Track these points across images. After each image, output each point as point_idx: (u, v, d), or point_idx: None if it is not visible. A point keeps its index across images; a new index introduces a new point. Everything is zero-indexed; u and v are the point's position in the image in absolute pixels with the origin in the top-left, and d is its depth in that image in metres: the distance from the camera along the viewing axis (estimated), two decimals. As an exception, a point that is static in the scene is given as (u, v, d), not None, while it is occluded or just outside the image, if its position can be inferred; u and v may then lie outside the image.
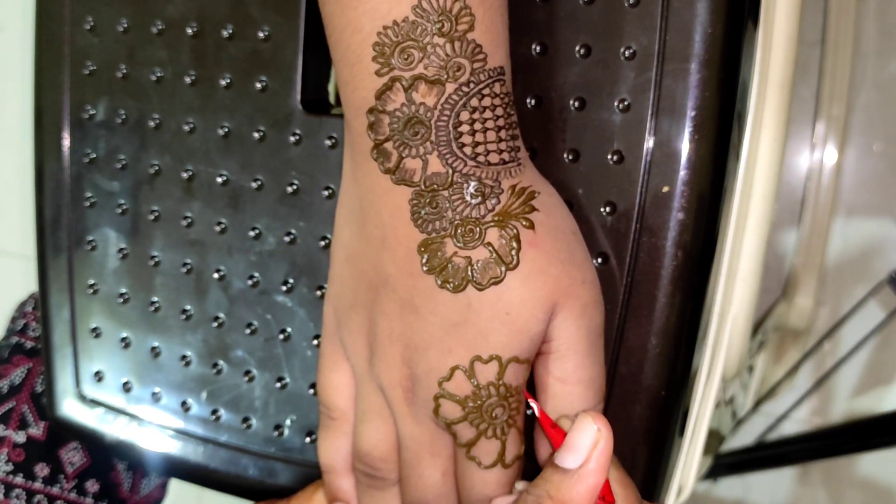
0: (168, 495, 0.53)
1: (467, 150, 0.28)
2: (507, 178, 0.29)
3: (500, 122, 0.29)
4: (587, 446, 0.27)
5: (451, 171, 0.28)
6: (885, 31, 0.92)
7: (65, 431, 0.43)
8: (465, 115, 0.28)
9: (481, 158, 0.28)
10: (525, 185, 0.29)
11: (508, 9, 0.30)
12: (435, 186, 0.28)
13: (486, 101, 0.28)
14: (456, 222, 0.28)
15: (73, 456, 0.46)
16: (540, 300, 0.28)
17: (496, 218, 0.28)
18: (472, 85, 0.28)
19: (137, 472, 0.49)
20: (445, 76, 0.27)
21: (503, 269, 0.28)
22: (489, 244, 0.28)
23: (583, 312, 0.30)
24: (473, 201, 0.28)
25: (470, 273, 0.28)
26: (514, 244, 0.28)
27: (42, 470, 0.45)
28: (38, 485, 0.44)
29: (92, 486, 0.47)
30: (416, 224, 0.29)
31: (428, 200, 0.28)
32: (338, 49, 0.29)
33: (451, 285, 0.28)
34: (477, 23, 0.27)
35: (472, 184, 0.28)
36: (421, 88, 0.28)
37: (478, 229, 0.28)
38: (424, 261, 0.29)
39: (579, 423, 0.27)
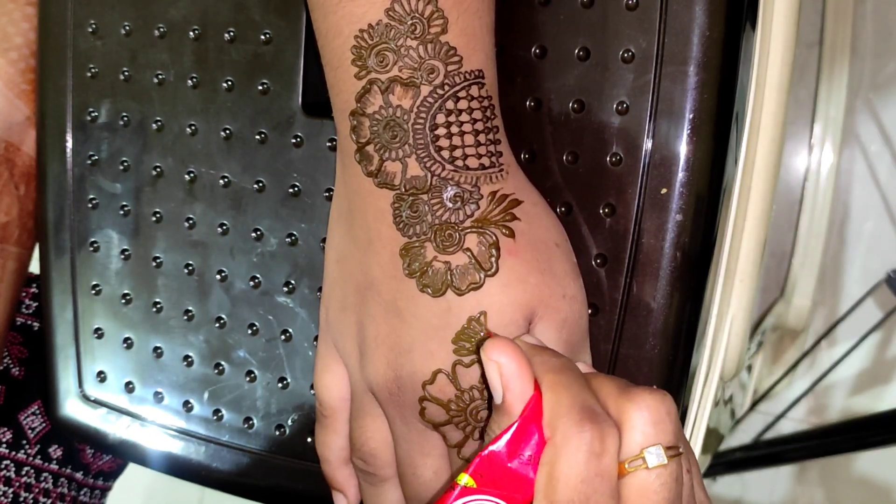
0: (164, 482, 0.54)
1: (445, 153, 0.28)
2: (486, 183, 0.29)
3: (479, 125, 0.29)
4: (496, 378, 0.27)
5: (429, 175, 0.28)
6: (882, 33, 0.93)
7: (67, 431, 0.44)
8: (441, 118, 0.28)
9: (459, 163, 0.28)
10: (507, 193, 0.29)
11: (495, 13, 0.30)
12: (414, 190, 0.28)
13: (463, 104, 0.28)
14: (435, 227, 0.28)
15: (32, 421, 0.46)
16: (519, 306, 0.29)
17: (475, 224, 0.28)
18: (447, 87, 0.28)
19: None
20: (419, 78, 0.28)
21: (482, 275, 0.28)
22: (468, 250, 0.28)
23: (561, 326, 0.30)
24: (452, 206, 0.28)
25: (449, 278, 0.28)
26: (494, 251, 0.28)
27: (4, 435, 0.45)
28: (2, 450, 0.45)
29: (55, 451, 0.47)
30: (397, 227, 0.29)
31: (409, 204, 0.28)
32: (324, 53, 0.30)
33: (431, 290, 0.28)
34: (450, 25, 0.28)
35: (451, 188, 0.28)
36: (397, 91, 0.28)
37: (456, 234, 0.28)
38: (405, 265, 0.29)
39: (483, 362, 0.27)
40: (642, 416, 0.25)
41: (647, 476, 0.24)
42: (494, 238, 0.28)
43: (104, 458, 0.50)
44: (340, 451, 0.34)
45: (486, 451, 0.25)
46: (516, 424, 0.25)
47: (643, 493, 0.24)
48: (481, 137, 0.29)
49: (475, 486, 0.25)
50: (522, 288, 0.28)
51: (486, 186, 0.29)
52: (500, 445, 0.25)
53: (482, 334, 0.28)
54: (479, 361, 0.29)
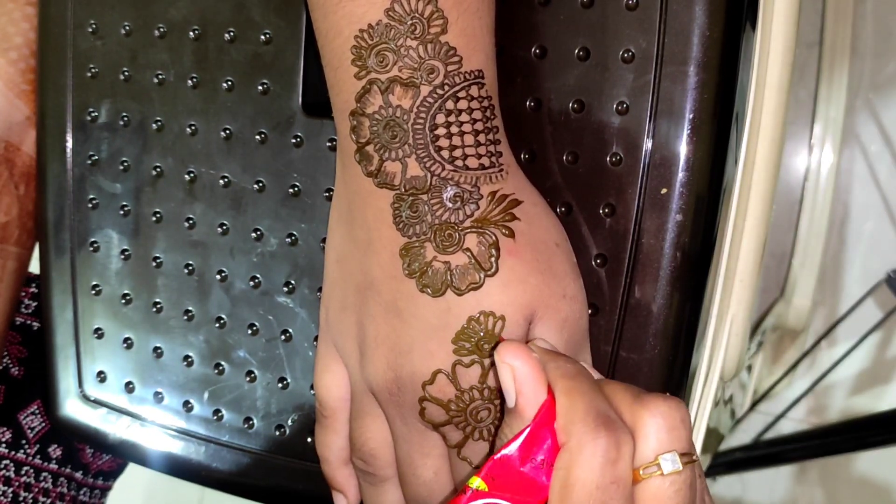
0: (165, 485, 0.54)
1: (444, 153, 0.28)
2: (486, 183, 0.29)
3: (479, 125, 0.29)
4: (509, 381, 0.27)
5: (429, 175, 0.28)
6: (882, 33, 0.93)
7: (67, 431, 0.44)
8: (440, 118, 0.28)
9: (459, 163, 0.28)
10: (506, 193, 0.29)
11: (495, 14, 0.30)
12: (414, 190, 0.28)
13: (463, 104, 0.28)
14: (435, 227, 0.28)
15: (32, 420, 0.46)
16: (520, 306, 0.29)
17: (475, 224, 0.28)
18: (446, 87, 0.28)
19: None
20: (419, 78, 0.28)
21: (482, 275, 0.28)
22: (468, 250, 0.28)
23: (561, 326, 0.30)
24: (452, 206, 0.28)
25: (449, 278, 0.28)
26: (493, 251, 0.28)
27: (4, 435, 0.45)
28: (2, 449, 0.45)
29: (55, 451, 0.47)
30: (397, 227, 0.29)
31: (409, 204, 0.29)
32: (324, 54, 0.30)
33: (431, 290, 0.28)
34: (450, 25, 0.28)
35: (451, 188, 0.28)
36: (397, 91, 0.28)
37: (456, 234, 0.28)
38: (405, 265, 0.29)
39: (497, 365, 0.27)
40: (657, 422, 0.25)
41: (662, 482, 0.24)
42: (494, 238, 0.28)
43: (104, 457, 0.50)
44: (340, 451, 0.34)
45: (498, 455, 0.25)
46: (529, 428, 0.25)
47: (658, 499, 0.24)
48: (481, 137, 0.29)
49: (487, 489, 0.25)
50: (522, 288, 0.28)
51: (486, 186, 0.29)
52: (512, 449, 0.25)
53: (482, 334, 0.28)
54: (479, 362, 0.29)
